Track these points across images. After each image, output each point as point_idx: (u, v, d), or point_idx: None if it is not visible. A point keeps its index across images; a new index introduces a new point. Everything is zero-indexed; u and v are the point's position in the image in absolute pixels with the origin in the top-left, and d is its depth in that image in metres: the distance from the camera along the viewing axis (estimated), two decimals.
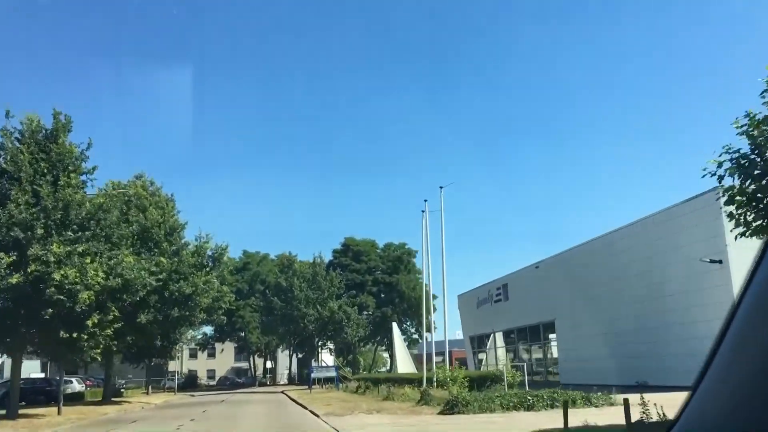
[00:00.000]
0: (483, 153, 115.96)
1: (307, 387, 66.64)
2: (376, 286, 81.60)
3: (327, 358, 72.72)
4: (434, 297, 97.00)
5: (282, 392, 60.20)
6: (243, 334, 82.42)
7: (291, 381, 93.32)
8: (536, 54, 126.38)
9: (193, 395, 63.52)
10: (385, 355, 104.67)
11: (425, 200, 36.96)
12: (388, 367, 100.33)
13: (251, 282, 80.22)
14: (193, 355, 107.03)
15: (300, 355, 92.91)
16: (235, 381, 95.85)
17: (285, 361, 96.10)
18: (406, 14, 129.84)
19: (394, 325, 69.43)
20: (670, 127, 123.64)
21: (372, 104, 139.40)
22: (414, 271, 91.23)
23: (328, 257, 78.59)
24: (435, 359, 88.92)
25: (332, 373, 47.86)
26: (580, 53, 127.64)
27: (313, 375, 48.03)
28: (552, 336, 45.89)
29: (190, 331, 62.45)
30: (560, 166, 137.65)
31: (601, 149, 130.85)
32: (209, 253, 44.46)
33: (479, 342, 61.84)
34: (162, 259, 37.91)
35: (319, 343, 65.94)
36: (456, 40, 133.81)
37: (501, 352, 56.02)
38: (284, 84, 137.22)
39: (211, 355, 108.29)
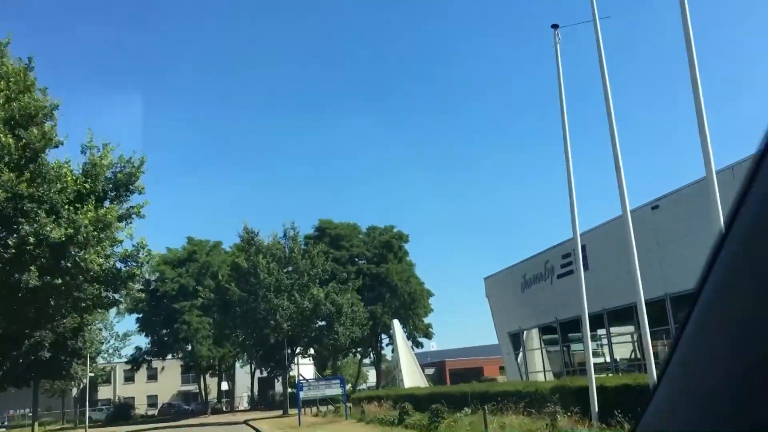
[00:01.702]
0: None
1: (280, 413, 47.90)
2: (361, 279, 63.02)
3: (305, 371, 53.57)
4: (429, 294, 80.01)
5: (245, 423, 41.24)
6: (190, 347, 62.79)
7: (254, 405, 73.66)
8: None
9: None
10: (365, 369, 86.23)
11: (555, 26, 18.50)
12: (372, 384, 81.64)
13: (198, 277, 60.82)
14: (129, 378, 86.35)
15: (265, 372, 73.59)
16: (183, 409, 75.66)
17: (245, 380, 76.40)
18: None
19: (396, 323, 51.15)
20: None
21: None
22: (406, 260, 73.25)
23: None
24: (426, 372, 70.40)
25: (335, 390, 29.01)
26: None
27: (303, 394, 28.94)
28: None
29: (99, 329, 43.08)
30: None
31: None
32: (109, 174, 25.14)
33: (516, 340, 44.08)
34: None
35: (296, 350, 46.98)
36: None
37: (574, 347, 38.29)
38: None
39: (152, 377, 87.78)
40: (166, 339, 62.40)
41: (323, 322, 43.62)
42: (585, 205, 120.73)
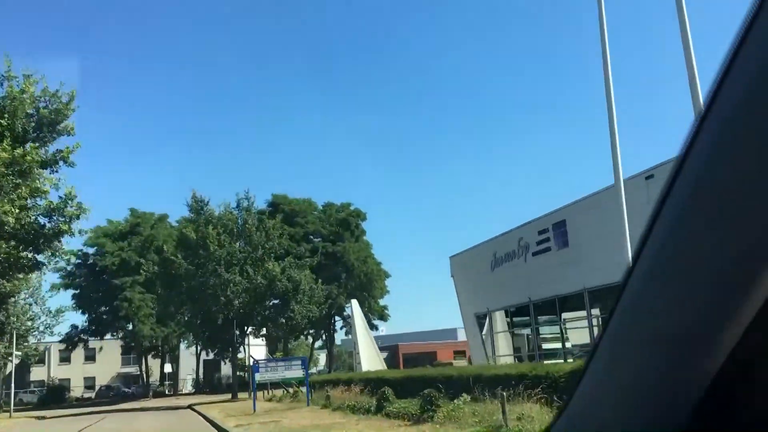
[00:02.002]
0: None
1: (228, 396, 44.52)
2: (317, 258, 59.81)
3: (256, 353, 50.02)
4: (386, 276, 76.85)
5: (190, 407, 37.75)
6: (131, 326, 58.54)
7: (199, 389, 69.90)
8: None
9: (44, 417, 40.01)
10: (315, 352, 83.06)
11: None
12: (322, 368, 78.57)
13: (142, 251, 56.48)
14: (65, 359, 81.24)
15: (211, 354, 69.69)
16: (122, 391, 71.41)
17: (190, 363, 72.43)
18: None
19: (355, 303, 48.31)
20: None
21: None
22: (363, 239, 70.27)
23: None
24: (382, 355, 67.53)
25: (296, 373, 25.65)
26: None
27: (259, 376, 25.46)
28: None
29: (28, 304, 39.03)
30: None
31: None
32: (31, 111, 20.66)
33: (483, 322, 41.65)
34: None
35: (248, 330, 43.52)
36: None
37: (550, 329, 36.13)
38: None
39: (90, 358, 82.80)
40: (104, 317, 58.06)
41: (278, 300, 40.27)
42: (564, 176, 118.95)
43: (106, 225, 58.63)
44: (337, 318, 74.29)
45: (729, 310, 0.95)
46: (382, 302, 71.60)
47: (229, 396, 44.06)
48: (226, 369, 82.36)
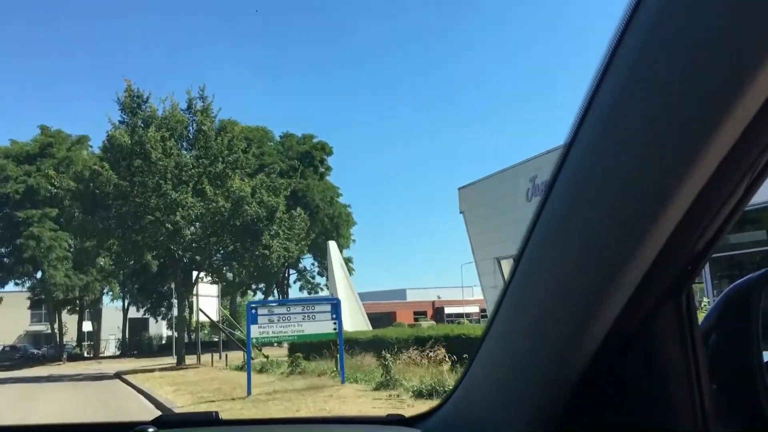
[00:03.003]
0: None
1: (170, 361, 34.10)
2: None
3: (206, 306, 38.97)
4: (353, 223, 66.33)
5: (118, 377, 27.24)
6: (40, 274, 46.62)
7: (124, 351, 58.43)
8: None
9: None
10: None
11: None
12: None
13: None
14: None
15: (141, 310, 58.30)
16: (30, 353, 59.12)
17: (115, 320, 60.67)
18: None
19: (332, 245, 38.34)
20: None
21: None
22: (328, 177, 59.85)
23: None
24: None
25: (323, 327, 15.36)
26: None
27: (258, 332, 15.16)
28: None
29: None
30: None
31: None
32: None
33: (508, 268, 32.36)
34: None
35: (200, 276, 32.60)
36: None
37: None
38: None
39: None
40: (5, 260, 45.94)
41: (244, 232, 29.47)
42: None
43: (7, 145, 46.17)
44: (291, 270, 64.22)
45: (592, 308, 0.97)
46: (347, 253, 61.60)
47: (172, 361, 33.56)
48: (155, 328, 70.86)
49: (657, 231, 0.87)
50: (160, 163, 27.14)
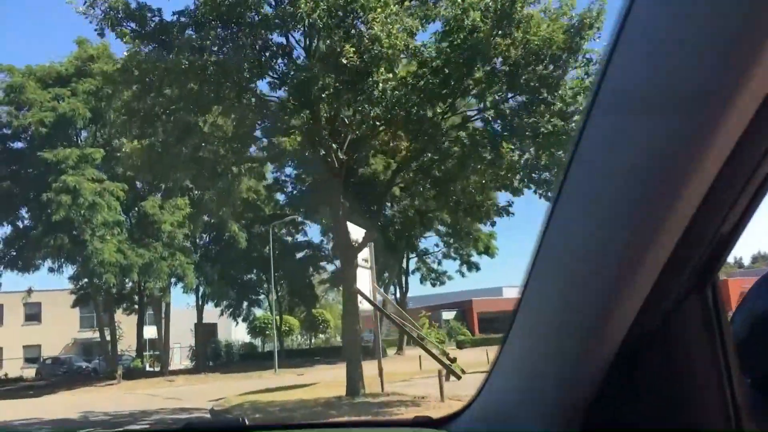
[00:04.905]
0: None
1: (258, 376, 18.73)
2: None
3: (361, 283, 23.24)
4: None
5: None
6: (83, 250, 31.42)
7: (199, 364, 43.32)
8: None
9: None
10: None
11: None
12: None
13: (93, 100, 29.72)
14: None
15: (222, 306, 43.28)
16: (77, 367, 44.76)
17: (186, 320, 45.54)
18: None
19: None
20: None
21: None
22: None
23: None
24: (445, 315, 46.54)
25: None
26: None
27: None
28: None
29: None
30: None
31: None
32: None
33: None
34: None
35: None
36: None
37: None
38: None
39: (33, 316, 56.04)
40: (28, 226, 31.26)
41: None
42: None
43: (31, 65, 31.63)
44: (410, 253, 48.54)
45: (612, 305, 0.97)
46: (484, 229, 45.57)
47: (277, 377, 18.42)
48: (224, 334, 55.08)
49: (675, 219, 0.84)
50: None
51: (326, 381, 22.43)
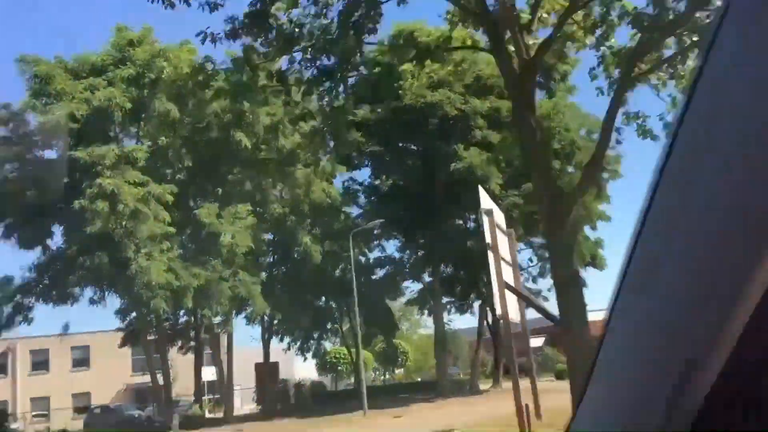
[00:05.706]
0: None
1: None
2: None
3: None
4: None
5: None
6: (127, 278, 25.94)
7: (266, 409, 37.20)
8: None
9: None
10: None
11: None
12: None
13: (139, 91, 24.57)
14: (40, 364, 49.76)
15: (286, 341, 37.35)
16: (128, 415, 39.13)
17: (244, 358, 39.56)
18: None
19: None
20: None
21: None
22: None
23: None
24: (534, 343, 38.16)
25: None
26: None
27: None
28: None
29: None
30: None
31: None
32: None
33: None
34: None
35: None
36: None
37: None
38: None
39: (81, 362, 51.24)
40: (65, 248, 25.94)
41: None
42: None
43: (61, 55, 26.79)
44: None
45: (727, 306, 0.89)
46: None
47: (342, 416, 13.96)
48: (286, 372, 48.07)
49: None
50: None
51: (452, 424, 16.52)
